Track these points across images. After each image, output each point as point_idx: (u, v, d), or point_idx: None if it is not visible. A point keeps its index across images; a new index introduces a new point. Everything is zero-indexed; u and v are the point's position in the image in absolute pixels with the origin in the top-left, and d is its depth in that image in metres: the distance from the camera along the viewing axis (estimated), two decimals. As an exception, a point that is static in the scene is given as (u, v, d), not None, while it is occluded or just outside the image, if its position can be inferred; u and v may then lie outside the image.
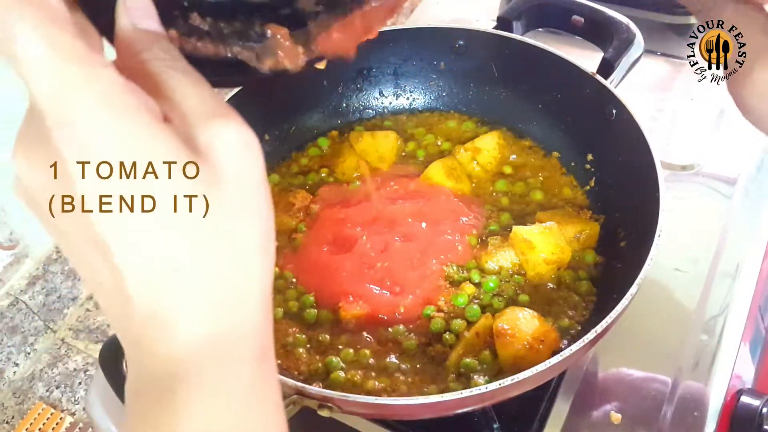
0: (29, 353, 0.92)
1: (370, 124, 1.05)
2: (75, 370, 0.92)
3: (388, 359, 0.78)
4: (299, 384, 0.64)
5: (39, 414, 0.87)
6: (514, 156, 0.97)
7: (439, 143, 1.01)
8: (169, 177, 0.32)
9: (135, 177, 0.31)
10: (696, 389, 0.81)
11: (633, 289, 0.68)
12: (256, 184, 0.35)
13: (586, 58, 0.91)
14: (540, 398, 0.81)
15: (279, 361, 0.78)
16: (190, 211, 0.32)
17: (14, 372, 0.91)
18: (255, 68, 0.40)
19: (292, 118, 1.02)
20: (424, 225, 0.89)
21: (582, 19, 0.95)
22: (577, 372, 0.83)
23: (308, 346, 0.80)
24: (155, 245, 0.32)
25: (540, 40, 0.93)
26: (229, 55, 0.39)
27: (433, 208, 0.90)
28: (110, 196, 0.31)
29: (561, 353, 0.65)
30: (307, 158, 1.01)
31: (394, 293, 0.83)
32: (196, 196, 0.32)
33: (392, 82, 1.05)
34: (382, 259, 0.85)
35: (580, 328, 0.79)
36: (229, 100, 0.90)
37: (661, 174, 0.76)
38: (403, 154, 1.00)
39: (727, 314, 0.88)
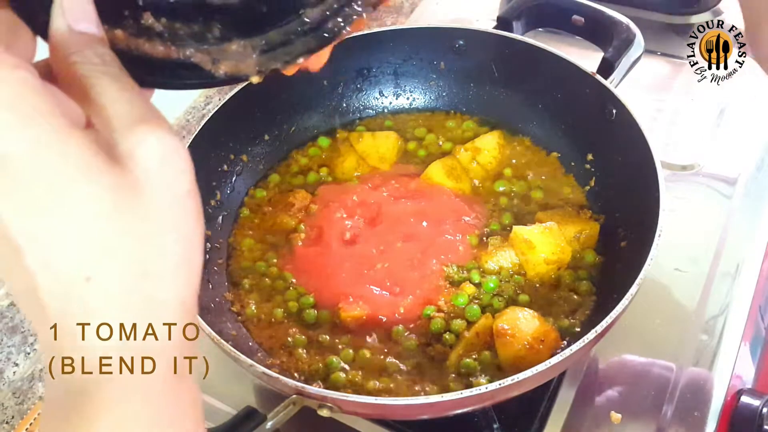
0: (29, 353, 0.92)
1: (370, 124, 1.05)
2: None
3: (388, 359, 0.78)
4: (299, 384, 0.65)
5: (39, 414, 0.87)
6: (514, 156, 0.97)
7: (441, 143, 1.01)
8: (83, 183, 0.31)
9: (49, 188, 0.31)
10: (696, 389, 0.81)
11: (633, 289, 0.68)
12: (180, 195, 0.34)
13: (587, 58, 0.91)
14: (540, 398, 0.81)
15: (279, 361, 0.78)
16: (105, 220, 0.31)
17: (14, 372, 0.90)
18: (209, 72, 0.39)
19: (292, 118, 1.02)
20: (425, 224, 0.89)
21: (582, 19, 0.94)
22: (578, 372, 0.83)
23: (308, 346, 0.80)
24: (68, 252, 0.31)
25: (540, 40, 0.93)
26: (181, 57, 0.39)
27: (434, 207, 0.91)
28: (21, 193, 0.31)
29: (561, 353, 0.65)
30: (307, 158, 1.01)
31: (394, 294, 0.83)
32: (112, 205, 0.31)
33: (392, 82, 1.05)
34: (382, 260, 0.85)
35: (580, 328, 0.79)
36: (228, 101, 0.91)
37: (661, 174, 0.76)
38: (404, 153, 1.00)
39: (727, 314, 0.88)
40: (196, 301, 0.36)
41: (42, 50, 0.37)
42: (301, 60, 0.41)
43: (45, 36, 0.36)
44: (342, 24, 0.41)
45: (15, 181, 0.31)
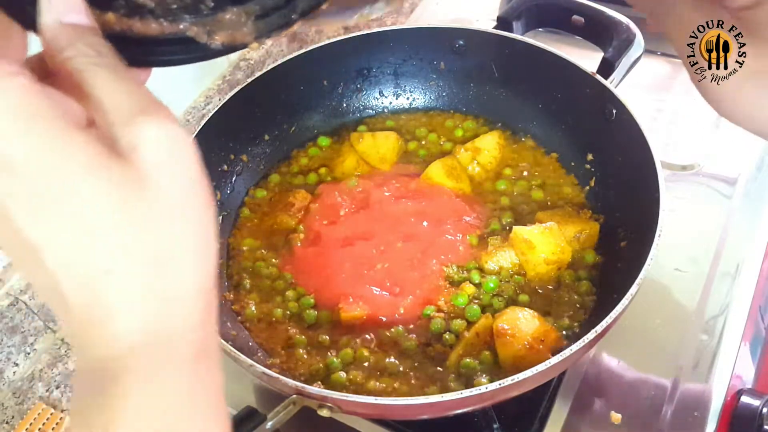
0: (29, 353, 0.92)
1: (371, 124, 1.05)
2: (75, 370, 0.92)
3: (388, 360, 0.78)
4: (299, 384, 0.65)
5: (39, 414, 0.87)
6: (514, 156, 0.97)
7: (442, 142, 1.01)
8: (90, 182, 0.32)
9: (57, 190, 0.31)
10: (696, 389, 0.81)
11: (633, 289, 0.68)
12: (187, 182, 0.35)
13: (587, 58, 0.91)
14: (540, 398, 0.81)
15: (279, 361, 0.78)
16: (115, 215, 0.32)
17: (14, 372, 0.90)
18: (204, 45, 0.39)
19: (292, 118, 1.02)
20: (425, 224, 0.89)
21: (582, 19, 0.94)
22: (577, 372, 0.83)
23: (308, 346, 0.80)
24: (85, 249, 0.32)
25: (540, 40, 0.93)
26: (176, 32, 0.38)
27: (434, 207, 0.90)
28: (31, 199, 0.32)
29: (561, 353, 0.65)
30: (307, 158, 1.01)
31: (393, 294, 0.83)
32: (120, 199, 0.32)
33: (392, 82, 1.05)
34: (382, 260, 0.85)
35: (580, 328, 0.79)
36: (228, 100, 0.91)
37: (661, 174, 0.76)
38: (404, 153, 1.00)
39: (727, 314, 0.88)
40: (215, 287, 0.37)
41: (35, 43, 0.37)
42: (297, 23, 0.40)
43: (36, 30, 0.36)
44: None
45: (24, 186, 0.32)
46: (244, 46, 0.40)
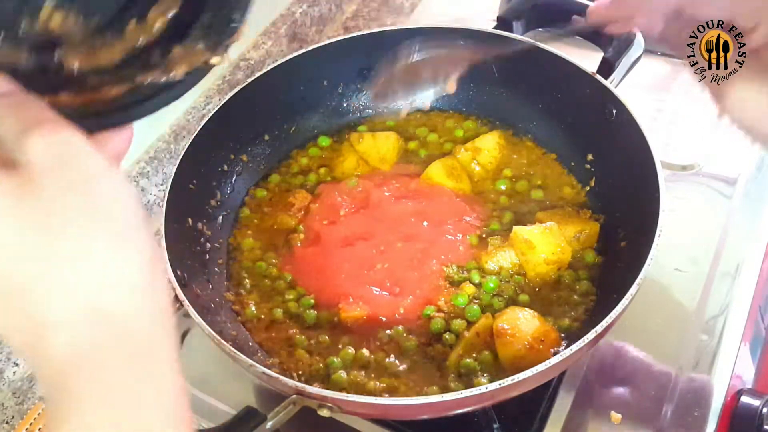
0: (29, 353, 0.92)
1: (371, 124, 1.04)
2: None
3: (388, 360, 0.78)
4: (299, 384, 0.65)
5: (39, 414, 0.87)
6: (514, 156, 0.97)
7: (442, 142, 1.00)
8: None
9: None
10: (696, 389, 0.81)
11: (633, 289, 0.68)
12: (83, 180, 0.35)
13: (586, 58, 0.91)
14: (540, 398, 0.81)
15: (279, 361, 0.78)
16: (13, 222, 0.33)
17: (14, 372, 0.90)
18: (170, 83, 0.39)
19: (292, 118, 1.02)
20: (425, 224, 0.89)
21: (582, 19, 0.94)
22: (578, 372, 0.83)
23: (308, 346, 0.80)
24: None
25: (540, 40, 0.93)
26: (137, 85, 0.39)
27: (434, 207, 0.90)
28: None
29: (561, 353, 0.65)
30: (307, 158, 1.01)
31: (393, 294, 0.83)
32: (15, 202, 0.33)
33: (392, 82, 1.05)
34: (382, 260, 0.85)
35: (580, 328, 0.79)
36: (229, 100, 0.91)
37: (661, 174, 0.76)
38: (405, 153, 1.00)
39: (727, 314, 0.88)
40: (160, 287, 0.36)
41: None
42: (244, 20, 0.41)
43: None
44: None
45: None
46: (208, 66, 0.40)
